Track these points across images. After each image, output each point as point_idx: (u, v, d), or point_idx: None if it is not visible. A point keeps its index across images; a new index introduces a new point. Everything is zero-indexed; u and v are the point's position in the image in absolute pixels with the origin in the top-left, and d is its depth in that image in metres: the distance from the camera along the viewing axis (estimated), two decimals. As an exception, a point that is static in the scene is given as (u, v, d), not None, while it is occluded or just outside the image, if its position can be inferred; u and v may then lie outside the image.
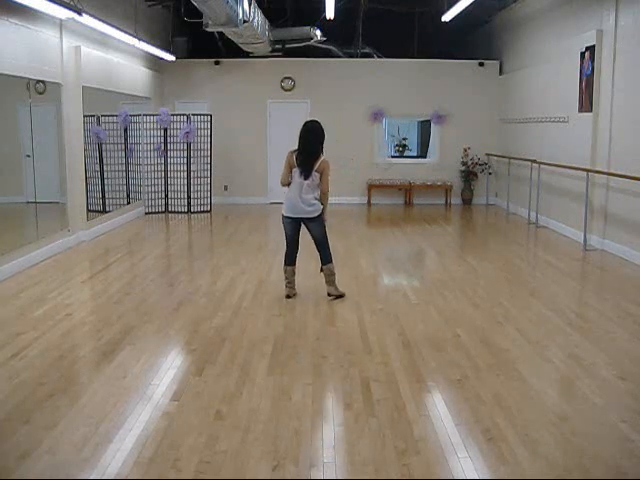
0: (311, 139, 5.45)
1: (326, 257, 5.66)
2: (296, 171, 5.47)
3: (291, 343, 4.53)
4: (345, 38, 12.80)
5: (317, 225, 5.59)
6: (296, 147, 5.51)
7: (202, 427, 3.23)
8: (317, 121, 5.56)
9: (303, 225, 5.64)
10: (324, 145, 5.52)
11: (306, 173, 5.42)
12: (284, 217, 5.63)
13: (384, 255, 8.07)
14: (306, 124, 5.54)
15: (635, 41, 7.22)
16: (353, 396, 3.61)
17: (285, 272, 5.75)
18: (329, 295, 5.67)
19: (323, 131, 5.50)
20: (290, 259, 5.75)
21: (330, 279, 5.67)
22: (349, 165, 12.21)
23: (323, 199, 5.53)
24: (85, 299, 5.80)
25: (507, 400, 3.56)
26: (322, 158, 5.45)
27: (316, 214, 5.53)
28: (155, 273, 6.87)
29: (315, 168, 5.42)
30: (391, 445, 3.05)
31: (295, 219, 5.58)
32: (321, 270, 5.71)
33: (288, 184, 5.58)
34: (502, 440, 3.09)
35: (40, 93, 7.59)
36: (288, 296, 5.70)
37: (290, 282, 5.74)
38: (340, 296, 5.68)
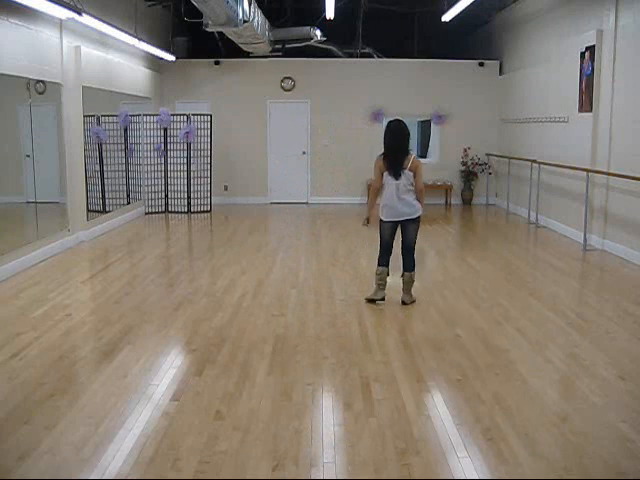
0: (396, 138, 5.35)
1: (410, 264, 5.50)
2: (387, 174, 5.35)
3: (291, 343, 4.52)
4: (345, 38, 12.79)
5: (414, 228, 5.45)
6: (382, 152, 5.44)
7: (202, 427, 3.23)
8: (401, 120, 5.48)
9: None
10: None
11: (395, 173, 5.31)
12: (383, 222, 5.48)
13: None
14: (389, 125, 5.46)
15: (635, 41, 7.22)
16: (353, 396, 3.61)
17: (380, 274, 5.47)
18: (403, 303, 5.48)
19: (408, 129, 5.42)
20: (385, 261, 5.54)
21: (407, 287, 5.51)
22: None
23: (420, 198, 5.41)
24: (85, 299, 5.80)
25: (507, 400, 3.56)
26: (412, 156, 5.36)
27: (416, 215, 5.39)
28: (155, 273, 6.87)
29: (406, 167, 5.30)
30: (391, 445, 3.05)
31: (395, 222, 5.45)
32: (402, 275, 5.54)
33: (378, 189, 5.48)
34: (502, 440, 3.09)
35: (40, 93, 7.59)
36: (382, 298, 5.50)
37: (383, 283, 5.53)
38: (413, 301, 5.53)
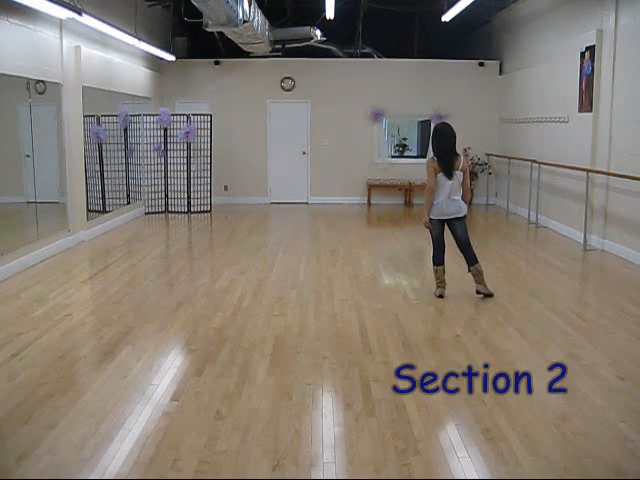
0: (447, 140, 5.59)
1: (472, 257, 5.68)
2: (441, 175, 5.56)
3: (291, 343, 4.53)
4: (345, 38, 12.79)
5: (462, 225, 5.70)
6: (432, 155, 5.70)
7: (202, 427, 3.23)
8: (447, 123, 5.79)
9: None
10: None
11: (449, 173, 5.53)
12: (432, 220, 5.70)
13: (384, 255, 8.06)
14: (438, 128, 5.72)
15: (635, 41, 7.22)
16: (353, 396, 3.61)
17: (436, 272, 5.75)
18: (478, 293, 5.66)
19: (454, 131, 5.63)
20: (440, 259, 5.76)
21: (479, 278, 5.65)
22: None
23: (468, 196, 5.71)
24: (85, 299, 5.80)
25: (507, 400, 3.56)
26: (461, 157, 5.62)
27: (462, 214, 5.67)
28: (155, 273, 6.87)
29: (458, 167, 5.55)
30: (391, 445, 3.05)
31: (442, 220, 5.69)
32: (469, 271, 5.71)
33: (433, 190, 5.63)
34: (502, 440, 3.09)
35: (40, 93, 7.59)
36: (441, 296, 5.69)
37: (442, 281, 5.75)
38: (489, 295, 5.65)
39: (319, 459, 2.92)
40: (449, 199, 5.58)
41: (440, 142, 5.62)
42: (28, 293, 5.84)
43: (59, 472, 2.83)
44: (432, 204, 5.64)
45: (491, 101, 12.41)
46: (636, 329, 4.88)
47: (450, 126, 5.67)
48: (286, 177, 12.60)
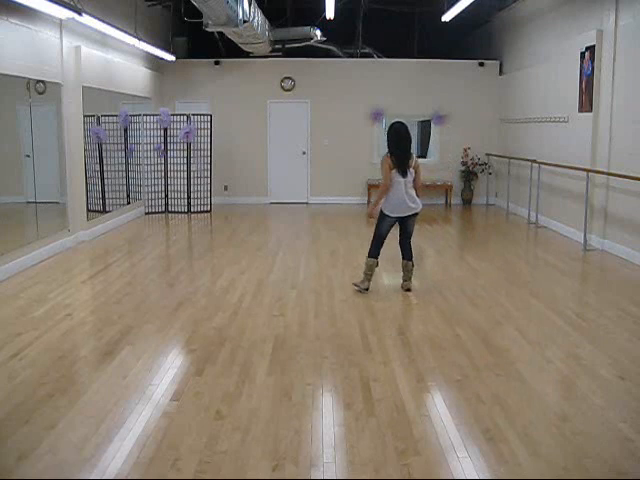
0: (404, 139, 5.73)
1: (410, 253, 6.02)
2: (395, 172, 5.68)
3: (291, 343, 4.53)
4: (345, 38, 12.80)
5: (414, 221, 5.92)
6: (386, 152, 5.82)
7: (202, 427, 3.23)
8: (403, 122, 5.90)
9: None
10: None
11: (404, 171, 5.67)
12: (388, 217, 5.80)
13: (384, 255, 8.05)
14: (394, 127, 5.81)
15: (635, 41, 7.22)
16: (353, 396, 3.61)
17: (371, 265, 5.86)
18: (403, 288, 5.96)
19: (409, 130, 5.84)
20: (378, 252, 5.88)
21: (408, 275, 6.00)
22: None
23: (419, 194, 5.84)
24: (85, 299, 5.80)
25: (507, 400, 3.56)
26: (414, 155, 5.79)
27: (419, 209, 5.82)
28: (155, 273, 6.87)
29: (411, 165, 5.71)
30: (391, 445, 3.05)
31: (397, 218, 5.82)
32: (406, 265, 5.99)
33: (389, 187, 5.75)
34: (502, 440, 3.09)
35: (40, 93, 7.59)
36: (367, 289, 5.83)
37: (371, 275, 5.87)
38: (409, 290, 5.93)
39: (319, 459, 2.92)
40: (407, 195, 5.70)
41: (400, 141, 5.72)
42: (28, 293, 5.84)
43: (59, 472, 2.83)
44: (384, 201, 5.77)
45: (491, 101, 12.41)
46: (636, 329, 4.88)
47: (406, 125, 5.80)
48: (286, 177, 12.60)
